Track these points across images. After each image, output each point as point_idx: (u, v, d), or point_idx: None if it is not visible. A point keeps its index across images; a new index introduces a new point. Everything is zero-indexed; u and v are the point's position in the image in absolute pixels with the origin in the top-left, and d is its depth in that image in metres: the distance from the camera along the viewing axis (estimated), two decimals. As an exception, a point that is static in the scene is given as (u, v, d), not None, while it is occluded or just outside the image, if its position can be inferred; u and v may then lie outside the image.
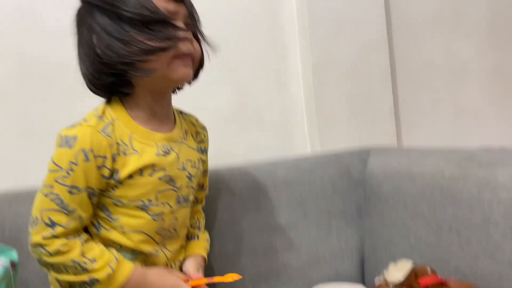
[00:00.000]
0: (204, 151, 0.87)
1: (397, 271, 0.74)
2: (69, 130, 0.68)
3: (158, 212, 0.73)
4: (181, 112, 0.85)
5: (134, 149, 0.70)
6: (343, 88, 1.33)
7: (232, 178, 1.07)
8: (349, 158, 1.16)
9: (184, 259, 0.82)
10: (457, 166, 0.83)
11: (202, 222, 0.90)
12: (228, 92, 1.30)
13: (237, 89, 1.30)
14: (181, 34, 0.68)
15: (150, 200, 0.71)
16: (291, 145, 1.35)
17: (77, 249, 0.65)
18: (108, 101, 0.73)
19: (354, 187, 1.13)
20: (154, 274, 0.71)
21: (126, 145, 0.69)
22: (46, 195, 0.66)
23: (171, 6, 0.68)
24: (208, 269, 1.00)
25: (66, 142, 0.66)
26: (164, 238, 0.75)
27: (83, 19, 0.70)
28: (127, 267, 0.68)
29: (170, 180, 0.74)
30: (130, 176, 0.69)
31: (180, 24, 0.69)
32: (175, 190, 0.74)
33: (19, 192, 0.99)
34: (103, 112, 0.71)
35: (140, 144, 0.71)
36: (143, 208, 0.71)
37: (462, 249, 0.77)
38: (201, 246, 0.84)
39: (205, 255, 0.84)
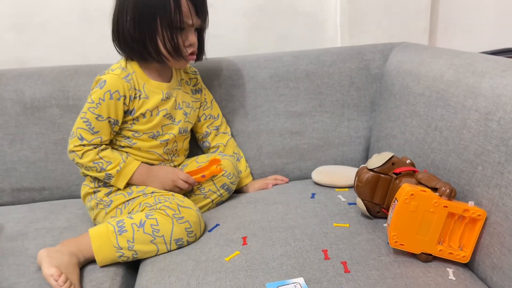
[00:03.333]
0: (200, 90, 1.11)
1: (377, 160, 0.88)
2: (102, 76, 0.94)
3: (165, 139, 1.00)
4: None
5: (146, 95, 0.96)
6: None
7: (257, 66, 1.19)
8: (371, 53, 1.21)
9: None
10: (455, 71, 0.89)
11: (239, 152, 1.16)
12: (263, -20, 1.34)
13: (272, -22, 1.34)
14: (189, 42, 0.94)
15: (158, 131, 0.99)
16: (322, 37, 1.41)
17: (93, 155, 0.93)
18: (127, 59, 0.97)
19: (371, 82, 1.21)
20: (157, 167, 1.01)
21: (140, 91, 0.96)
22: (81, 118, 0.93)
23: (195, 21, 0.93)
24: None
25: (99, 84, 0.93)
26: (171, 155, 1.05)
27: None
28: (134, 165, 0.97)
29: (170, 117, 1.01)
30: (143, 115, 0.96)
31: (192, 31, 0.94)
32: (175, 124, 1.01)
33: (80, 66, 1.19)
34: (125, 66, 0.96)
35: (150, 92, 0.97)
36: (153, 137, 0.99)
37: (440, 147, 0.88)
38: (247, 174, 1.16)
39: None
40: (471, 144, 0.79)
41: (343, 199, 1.00)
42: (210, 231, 0.93)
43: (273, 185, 1.14)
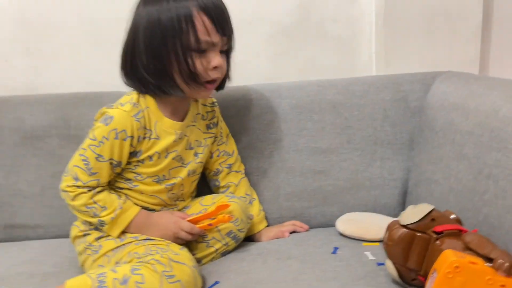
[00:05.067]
0: (216, 124, 0.97)
1: (413, 213, 0.70)
2: (109, 110, 0.82)
3: (171, 183, 0.88)
4: None
5: (157, 135, 0.84)
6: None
7: (277, 96, 1.05)
8: (409, 83, 1.05)
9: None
10: (514, 106, 0.72)
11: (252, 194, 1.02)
12: (290, 0, 1.22)
13: (300, -1, 1.22)
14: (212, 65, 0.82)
15: (164, 175, 0.87)
16: (354, 65, 1.27)
17: (87, 198, 0.81)
18: (140, 92, 0.85)
19: (409, 116, 1.04)
20: (157, 215, 0.87)
21: (151, 131, 0.84)
22: (80, 155, 0.82)
23: (215, 39, 0.80)
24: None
25: (104, 119, 0.81)
26: (175, 200, 0.92)
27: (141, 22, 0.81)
28: (131, 213, 0.84)
29: (180, 159, 0.89)
30: (150, 158, 0.84)
31: (216, 52, 0.81)
32: (184, 167, 0.89)
33: (87, 94, 1.11)
34: (138, 100, 0.84)
35: (162, 132, 0.85)
36: (158, 181, 0.87)
37: (496, 199, 0.70)
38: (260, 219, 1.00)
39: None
40: (538, 200, 0.61)
41: (371, 257, 0.82)
42: (207, 290, 0.78)
43: (290, 233, 0.98)
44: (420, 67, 1.16)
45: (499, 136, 0.72)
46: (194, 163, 0.91)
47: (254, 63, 1.25)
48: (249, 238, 0.98)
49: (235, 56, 1.24)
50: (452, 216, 0.72)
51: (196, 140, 0.92)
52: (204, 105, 0.96)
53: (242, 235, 0.91)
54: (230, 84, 1.09)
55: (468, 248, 0.63)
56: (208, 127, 0.96)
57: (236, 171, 1.00)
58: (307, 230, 1.00)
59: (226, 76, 0.90)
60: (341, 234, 0.94)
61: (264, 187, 1.04)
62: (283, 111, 1.04)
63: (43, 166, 1.04)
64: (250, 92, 1.06)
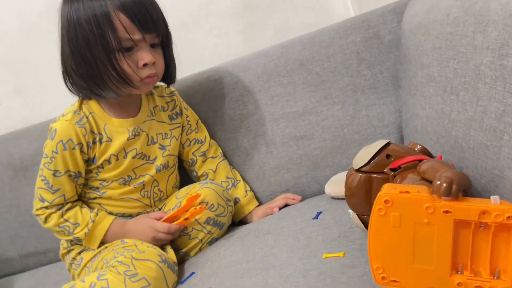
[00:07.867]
0: (179, 113, 0.94)
1: (366, 154, 0.61)
2: (53, 124, 0.82)
3: (139, 182, 0.86)
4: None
5: (108, 137, 0.83)
6: None
7: (240, 70, 0.99)
8: (380, 17, 0.94)
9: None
10: (462, 2, 0.60)
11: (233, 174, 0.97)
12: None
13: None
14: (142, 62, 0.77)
15: (129, 176, 0.85)
16: (330, 17, 1.16)
17: (57, 218, 0.82)
18: (83, 99, 0.84)
19: (386, 52, 0.93)
20: (132, 221, 0.85)
21: (101, 134, 0.82)
22: (39, 176, 0.82)
23: (137, 36, 0.76)
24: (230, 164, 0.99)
25: (50, 134, 0.81)
26: (154, 199, 0.89)
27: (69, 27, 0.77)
28: (105, 224, 0.83)
29: (143, 156, 0.86)
30: (108, 162, 0.82)
31: (144, 49, 0.77)
32: (151, 163, 0.86)
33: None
34: (79, 107, 0.83)
35: (113, 133, 0.83)
36: (125, 183, 0.85)
37: (459, 116, 0.58)
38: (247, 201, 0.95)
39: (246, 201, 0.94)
40: (490, 102, 0.49)
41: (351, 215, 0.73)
42: (182, 282, 0.74)
43: (282, 207, 0.91)
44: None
45: (452, 43, 0.60)
46: (161, 157, 0.88)
47: (225, 43, 1.19)
48: (242, 222, 0.93)
49: (206, 41, 1.20)
50: (418, 147, 0.61)
51: (159, 134, 0.89)
52: (162, 96, 0.93)
53: (224, 220, 0.86)
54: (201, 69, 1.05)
55: (423, 179, 0.53)
56: (171, 118, 0.92)
57: (212, 157, 0.95)
58: (301, 201, 0.93)
59: (171, 68, 0.86)
60: (333, 198, 0.86)
61: (248, 166, 0.98)
62: (249, 83, 0.98)
63: (39, 194, 1.07)
64: (212, 73, 1.01)
